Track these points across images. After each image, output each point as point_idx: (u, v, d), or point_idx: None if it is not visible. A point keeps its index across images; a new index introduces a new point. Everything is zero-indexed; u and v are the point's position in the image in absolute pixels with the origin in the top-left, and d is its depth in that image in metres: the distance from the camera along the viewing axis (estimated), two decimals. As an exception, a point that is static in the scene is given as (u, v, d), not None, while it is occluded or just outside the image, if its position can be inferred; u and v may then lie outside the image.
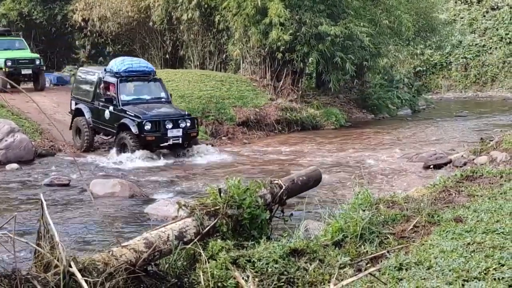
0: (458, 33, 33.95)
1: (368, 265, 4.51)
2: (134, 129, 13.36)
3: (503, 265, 3.98)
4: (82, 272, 3.69)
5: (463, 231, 4.88)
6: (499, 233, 4.73)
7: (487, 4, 35.86)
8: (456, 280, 3.78)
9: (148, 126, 13.37)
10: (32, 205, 9.08)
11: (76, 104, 15.26)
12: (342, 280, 3.87)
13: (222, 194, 4.67)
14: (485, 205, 5.71)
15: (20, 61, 20.68)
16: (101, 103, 14.45)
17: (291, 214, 5.40)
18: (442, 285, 3.73)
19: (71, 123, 15.24)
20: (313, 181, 5.87)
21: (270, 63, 21.33)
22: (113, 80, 14.34)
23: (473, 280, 3.77)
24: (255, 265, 4.06)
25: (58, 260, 3.68)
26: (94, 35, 28.29)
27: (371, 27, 20.25)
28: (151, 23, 26.12)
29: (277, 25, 19.20)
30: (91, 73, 15.50)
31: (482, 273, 3.88)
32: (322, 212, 5.88)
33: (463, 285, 3.72)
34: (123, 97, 14.16)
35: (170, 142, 13.60)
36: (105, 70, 14.86)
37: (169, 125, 13.54)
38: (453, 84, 35.62)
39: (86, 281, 3.64)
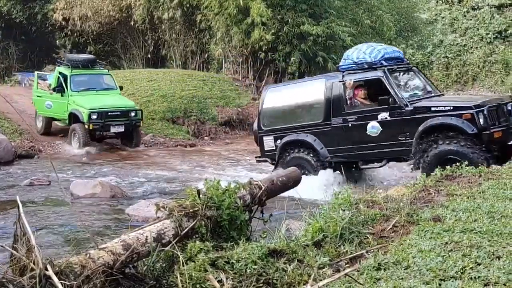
0: (440, 32, 34.29)
1: (347, 265, 4.52)
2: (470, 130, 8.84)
3: (479, 264, 4.02)
4: (58, 275, 3.64)
5: (441, 231, 4.91)
6: (476, 232, 4.77)
7: (468, 4, 36.20)
8: (433, 280, 3.80)
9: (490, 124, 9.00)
10: (11, 206, 8.98)
11: (278, 139, 10.60)
12: (320, 280, 3.87)
13: (201, 196, 4.66)
14: (464, 204, 5.75)
15: (109, 114, 14.92)
16: (351, 117, 9.96)
17: (271, 215, 5.40)
18: (419, 284, 3.75)
19: (276, 166, 10.51)
20: (293, 181, 5.88)
21: (252, 62, 21.38)
22: (375, 74, 9.87)
23: (449, 279, 3.80)
24: (234, 267, 4.05)
25: (34, 263, 3.63)
26: (75, 34, 28.16)
27: (353, 27, 20.40)
28: (132, 23, 26.07)
29: (259, 24, 19.26)
30: (307, 82, 11.16)
31: (459, 272, 3.90)
32: (303, 212, 5.89)
33: (439, 284, 3.74)
34: (402, 94, 9.76)
35: None
36: (338, 68, 10.63)
37: None
38: (434, 83, 35.90)
39: (62, 284, 3.60)
